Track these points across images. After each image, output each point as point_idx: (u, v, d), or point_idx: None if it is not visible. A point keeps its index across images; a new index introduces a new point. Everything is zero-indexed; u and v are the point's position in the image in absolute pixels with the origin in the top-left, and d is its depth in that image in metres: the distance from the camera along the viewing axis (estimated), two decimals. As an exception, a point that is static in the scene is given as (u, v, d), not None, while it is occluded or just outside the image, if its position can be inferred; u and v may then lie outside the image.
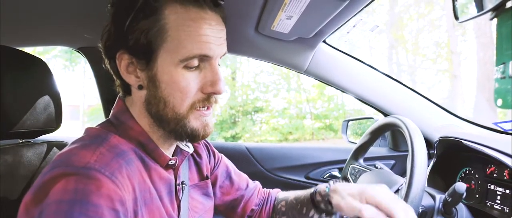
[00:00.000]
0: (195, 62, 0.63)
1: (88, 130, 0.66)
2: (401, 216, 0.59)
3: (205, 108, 0.67)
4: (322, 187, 0.83)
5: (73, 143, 0.62)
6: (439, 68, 9.54)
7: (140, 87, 0.65)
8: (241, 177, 0.98)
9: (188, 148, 0.78)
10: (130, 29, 0.61)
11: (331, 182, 0.80)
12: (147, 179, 0.65)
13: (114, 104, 0.71)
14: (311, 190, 0.87)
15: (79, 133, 0.68)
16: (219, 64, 0.68)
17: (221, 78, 0.65)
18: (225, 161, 0.97)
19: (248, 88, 9.04)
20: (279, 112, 8.98)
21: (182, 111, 0.64)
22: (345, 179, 1.14)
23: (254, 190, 0.98)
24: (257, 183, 1.02)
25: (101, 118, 1.11)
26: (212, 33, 0.63)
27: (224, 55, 0.69)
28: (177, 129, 0.65)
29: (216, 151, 0.95)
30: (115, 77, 0.69)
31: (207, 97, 0.66)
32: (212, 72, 0.65)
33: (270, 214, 0.97)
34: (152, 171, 0.66)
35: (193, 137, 0.67)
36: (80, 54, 1.41)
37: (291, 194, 0.95)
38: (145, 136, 0.67)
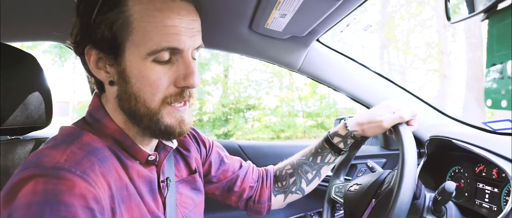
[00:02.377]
0: (166, 55, 0.60)
1: (61, 129, 0.65)
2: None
3: (181, 103, 0.64)
4: (339, 129, 0.91)
5: (46, 142, 0.60)
6: (429, 68, 9.66)
7: (111, 83, 0.63)
8: (233, 159, 0.98)
9: (172, 143, 0.76)
10: (96, 23, 0.59)
11: (344, 121, 0.91)
12: (124, 176, 0.63)
13: (90, 101, 0.69)
14: (322, 138, 0.94)
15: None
16: (195, 58, 0.65)
17: (194, 71, 0.62)
18: (217, 146, 0.96)
19: (240, 86, 9.03)
20: (271, 109, 9.00)
21: (154, 106, 0.61)
22: (332, 201, 1.03)
23: (248, 168, 0.98)
24: (250, 162, 1.01)
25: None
26: (181, 24, 0.60)
27: (199, 47, 0.65)
28: (151, 126, 0.63)
29: (206, 138, 0.93)
30: (87, 74, 0.67)
31: (180, 92, 0.63)
32: (184, 65, 0.62)
33: (272, 188, 0.97)
34: (130, 168, 0.64)
35: (168, 134, 0.65)
36: (70, 49, 1.38)
37: (295, 156, 0.99)
38: (121, 133, 0.65)
